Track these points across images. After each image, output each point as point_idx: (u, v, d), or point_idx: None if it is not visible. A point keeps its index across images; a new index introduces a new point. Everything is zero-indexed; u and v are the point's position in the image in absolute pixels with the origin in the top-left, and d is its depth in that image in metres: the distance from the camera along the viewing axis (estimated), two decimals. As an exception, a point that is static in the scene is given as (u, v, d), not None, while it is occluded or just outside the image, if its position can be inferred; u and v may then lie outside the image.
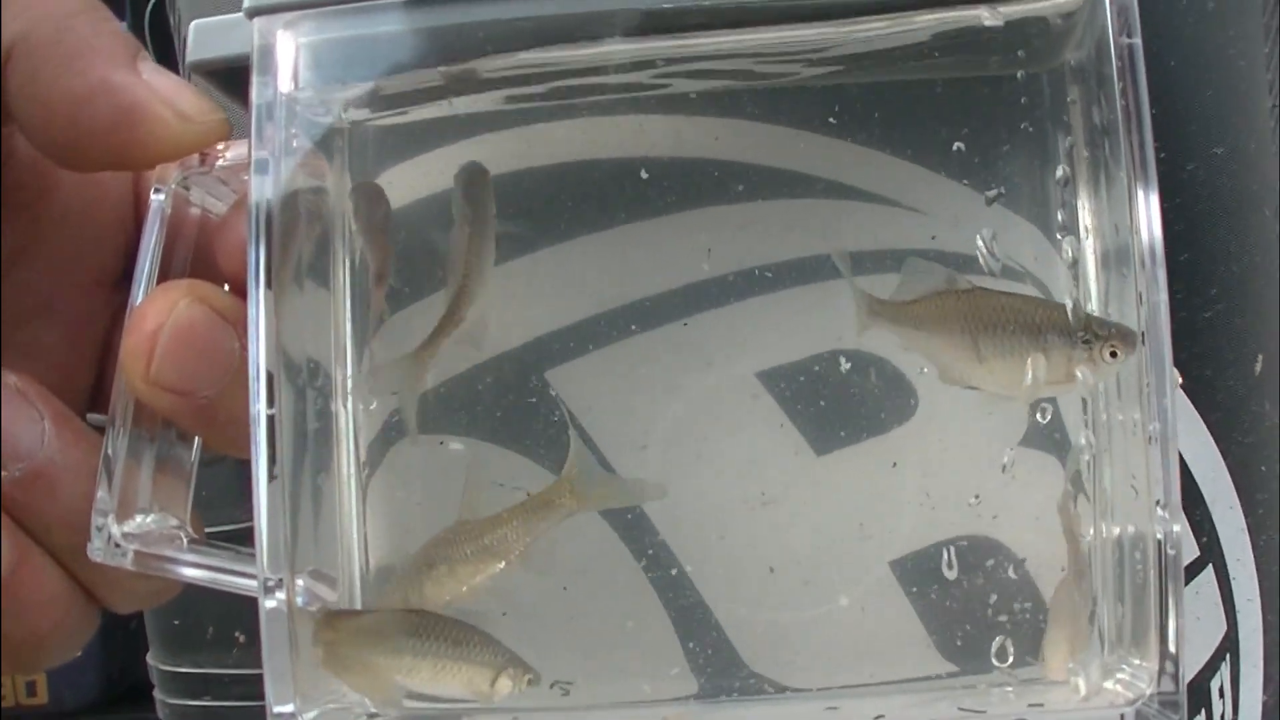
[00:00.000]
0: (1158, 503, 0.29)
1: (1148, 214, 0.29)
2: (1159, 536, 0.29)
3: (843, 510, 0.35)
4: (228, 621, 0.56)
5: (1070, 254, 0.34)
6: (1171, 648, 0.29)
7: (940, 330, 0.32)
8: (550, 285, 0.36)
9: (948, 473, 0.35)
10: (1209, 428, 0.39)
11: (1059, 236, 0.34)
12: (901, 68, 0.35)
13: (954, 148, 0.35)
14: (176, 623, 0.57)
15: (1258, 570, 0.40)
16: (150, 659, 0.59)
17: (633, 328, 0.36)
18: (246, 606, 0.54)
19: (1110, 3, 0.30)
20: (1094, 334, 0.30)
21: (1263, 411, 0.39)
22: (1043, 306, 0.32)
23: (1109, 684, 0.32)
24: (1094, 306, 0.33)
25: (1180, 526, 0.29)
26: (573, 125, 0.36)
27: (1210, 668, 0.40)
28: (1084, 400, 0.34)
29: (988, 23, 0.32)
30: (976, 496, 0.35)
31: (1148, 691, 0.30)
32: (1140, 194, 0.29)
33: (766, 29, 0.32)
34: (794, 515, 0.36)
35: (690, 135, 0.35)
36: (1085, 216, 0.33)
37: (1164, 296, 0.29)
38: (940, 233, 0.35)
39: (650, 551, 0.36)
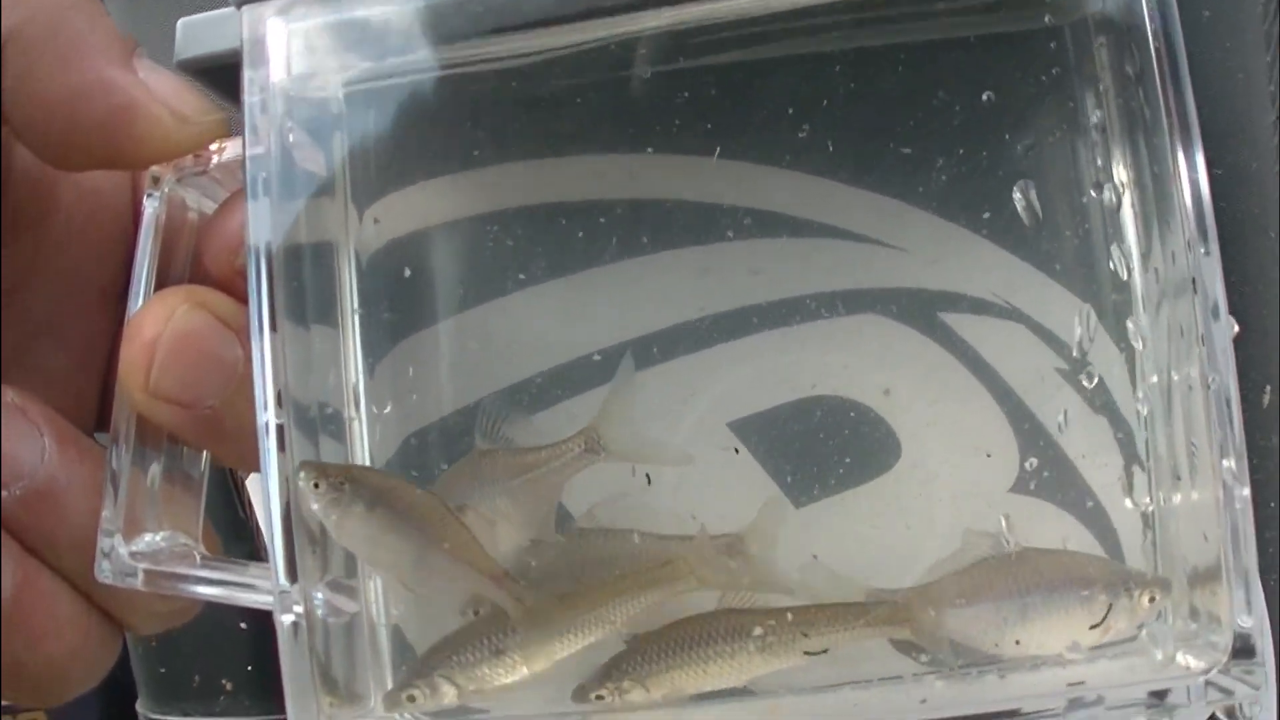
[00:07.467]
0: (1221, 458, 0.28)
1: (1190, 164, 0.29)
2: (1223, 491, 0.28)
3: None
4: (214, 670, 0.55)
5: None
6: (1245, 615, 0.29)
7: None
8: (508, 337, 0.35)
9: (934, 524, 0.34)
10: (1215, 464, 0.37)
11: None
12: (921, 27, 0.34)
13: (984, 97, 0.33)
14: (163, 670, 0.56)
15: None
16: (139, 707, 0.58)
17: (595, 378, 0.34)
18: (232, 654, 0.54)
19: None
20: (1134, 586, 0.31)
21: (1271, 446, 0.37)
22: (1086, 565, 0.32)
23: (1180, 657, 0.31)
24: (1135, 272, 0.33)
25: (1246, 485, 0.29)
26: (534, 165, 0.35)
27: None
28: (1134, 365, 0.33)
29: None
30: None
31: (1222, 659, 0.29)
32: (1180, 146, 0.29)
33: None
34: (772, 572, 0.34)
35: (651, 175, 0.34)
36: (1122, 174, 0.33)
37: (1214, 246, 0.28)
38: (920, 269, 0.34)
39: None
